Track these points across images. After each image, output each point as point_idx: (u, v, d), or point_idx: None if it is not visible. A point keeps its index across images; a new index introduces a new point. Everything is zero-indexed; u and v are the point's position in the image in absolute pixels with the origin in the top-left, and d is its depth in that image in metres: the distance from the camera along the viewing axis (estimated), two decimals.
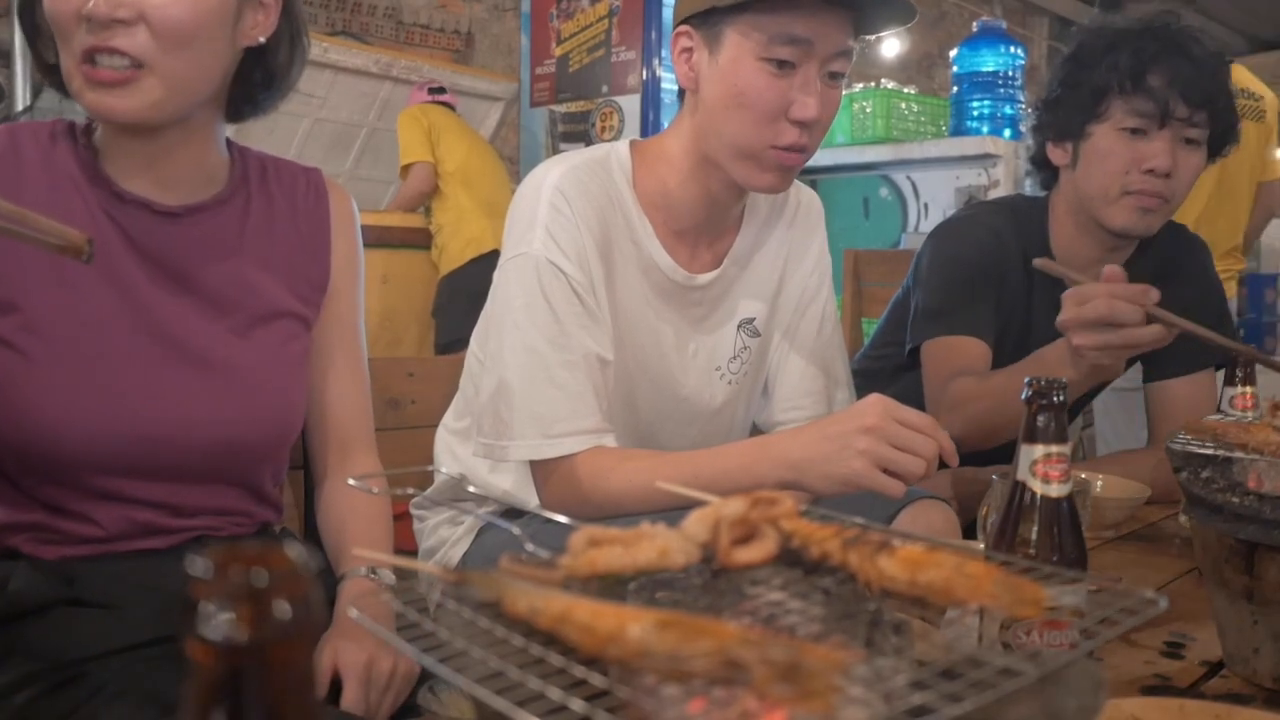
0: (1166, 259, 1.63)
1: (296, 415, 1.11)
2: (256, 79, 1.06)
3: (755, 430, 1.43)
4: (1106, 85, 1.48)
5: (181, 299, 1.03)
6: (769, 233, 1.37)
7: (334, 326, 1.16)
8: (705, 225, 1.29)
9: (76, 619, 0.96)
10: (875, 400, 1.03)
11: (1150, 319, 1.14)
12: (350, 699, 0.94)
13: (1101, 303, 1.14)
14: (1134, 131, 1.46)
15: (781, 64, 1.15)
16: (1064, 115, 1.55)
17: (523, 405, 1.16)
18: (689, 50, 1.21)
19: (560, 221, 1.18)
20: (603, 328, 1.20)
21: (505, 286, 1.21)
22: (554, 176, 1.20)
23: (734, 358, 1.34)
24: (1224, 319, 1.65)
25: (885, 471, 1.00)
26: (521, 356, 1.16)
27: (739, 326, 1.35)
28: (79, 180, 1.01)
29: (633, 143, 1.29)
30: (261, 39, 1.03)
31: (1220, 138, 1.51)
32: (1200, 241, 1.71)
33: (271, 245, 1.11)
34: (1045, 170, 1.62)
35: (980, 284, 1.56)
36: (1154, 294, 1.15)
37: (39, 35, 1.01)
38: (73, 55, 0.94)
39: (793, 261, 1.39)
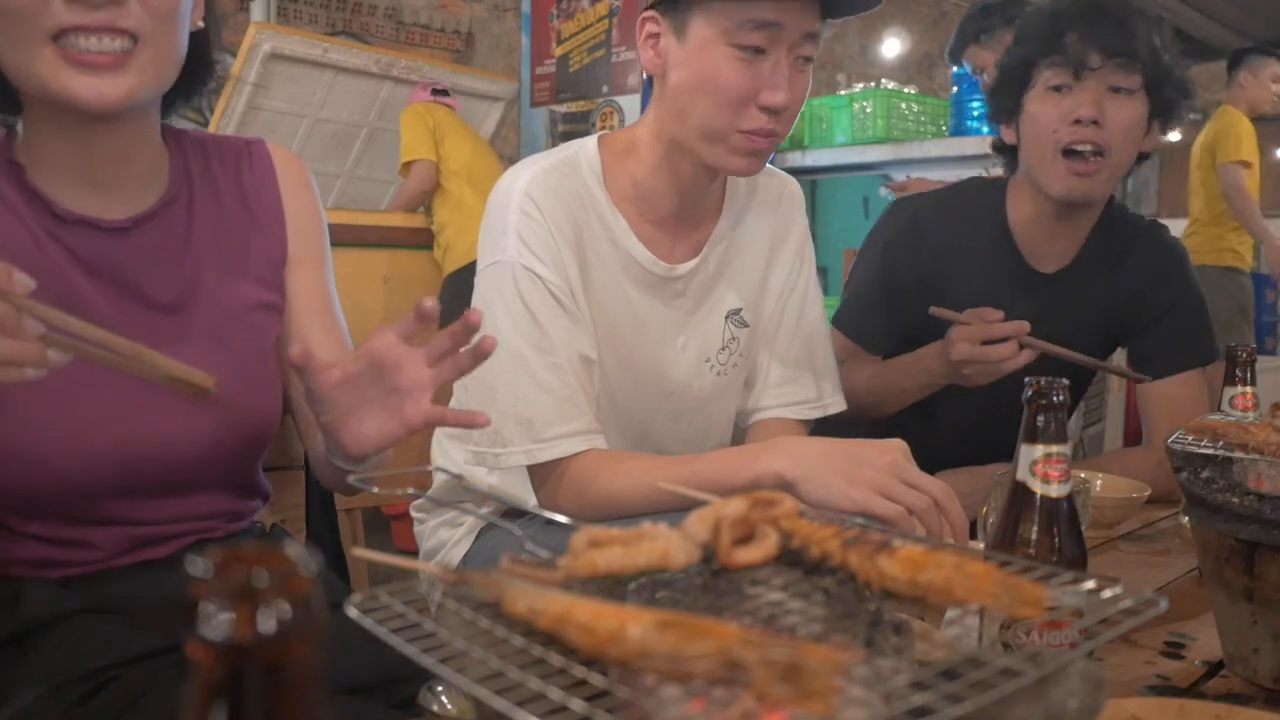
0: (1144, 263, 1.63)
1: (277, 406, 1.08)
2: (192, 64, 1.00)
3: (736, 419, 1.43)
4: (1030, 55, 1.53)
5: (143, 315, 0.98)
6: (751, 221, 1.36)
7: (303, 296, 1.10)
8: (681, 212, 1.29)
9: (93, 627, 0.93)
10: (899, 445, 1.04)
11: (1023, 347, 1.38)
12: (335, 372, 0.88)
13: (968, 348, 1.39)
14: (1058, 89, 1.49)
15: (751, 50, 1.14)
16: (1004, 96, 1.59)
17: (511, 411, 1.16)
18: (655, 36, 1.20)
19: (532, 227, 1.18)
20: (584, 328, 1.20)
21: (484, 295, 1.21)
22: (522, 181, 1.20)
23: (723, 348, 1.34)
24: (1202, 323, 1.65)
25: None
26: (506, 363, 1.16)
27: (726, 317, 1.34)
28: (12, 201, 0.95)
29: (601, 138, 1.29)
30: (200, 23, 1.00)
31: (1159, 91, 1.50)
32: (1178, 244, 1.71)
33: (224, 237, 1.05)
34: (1005, 154, 1.67)
35: (874, 292, 1.68)
36: (1025, 327, 1.38)
37: None
38: (40, 36, 0.86)
39: (776, 250, 1.39)
